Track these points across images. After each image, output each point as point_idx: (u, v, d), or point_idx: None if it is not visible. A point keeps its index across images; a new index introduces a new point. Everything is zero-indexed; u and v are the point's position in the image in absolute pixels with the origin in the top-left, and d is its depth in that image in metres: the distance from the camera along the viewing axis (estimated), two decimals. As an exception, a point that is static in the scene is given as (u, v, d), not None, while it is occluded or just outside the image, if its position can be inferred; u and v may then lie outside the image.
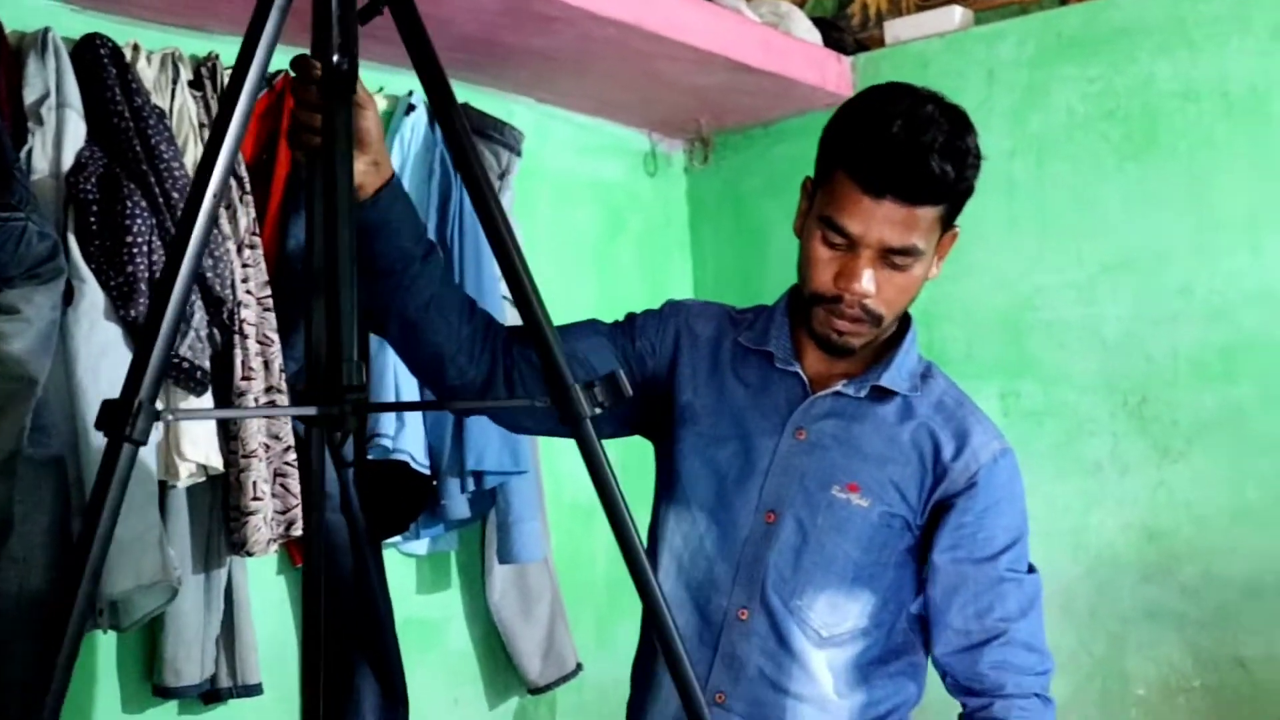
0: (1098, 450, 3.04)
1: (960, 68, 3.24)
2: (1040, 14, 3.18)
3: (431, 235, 2.67)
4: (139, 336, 1.11)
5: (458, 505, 2.68)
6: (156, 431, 2.11)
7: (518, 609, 2.96)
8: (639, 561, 1.22)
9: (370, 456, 2.53)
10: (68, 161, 2.05)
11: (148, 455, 2.08)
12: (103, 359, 2.04)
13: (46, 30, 2.08)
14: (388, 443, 2.51)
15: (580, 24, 2.62)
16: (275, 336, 2.31)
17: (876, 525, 1.55)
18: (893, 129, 1.41)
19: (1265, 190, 2.83)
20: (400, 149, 2.73)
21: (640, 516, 1.34)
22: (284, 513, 2.30)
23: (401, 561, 2.86)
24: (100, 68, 2.12)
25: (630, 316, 1.71)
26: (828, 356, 1.59)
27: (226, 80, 2.36)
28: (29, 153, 2.03)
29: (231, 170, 1.14)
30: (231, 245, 2.25)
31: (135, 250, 2.03)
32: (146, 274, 2.05)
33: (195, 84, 2.32)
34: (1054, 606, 3.05)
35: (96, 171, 2.06)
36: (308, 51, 1.27)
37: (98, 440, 2.00)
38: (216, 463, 2.17)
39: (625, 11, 2.61)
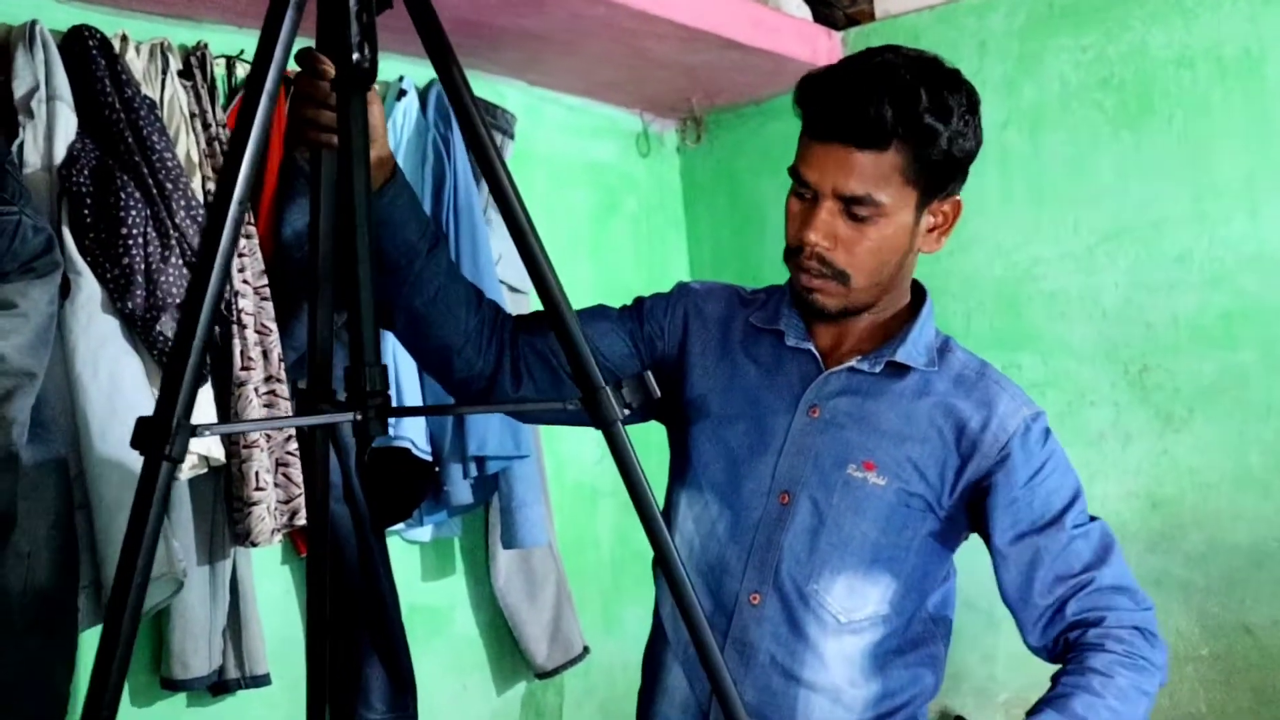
0: (1100, 420, 3.04)
1: (952, 39, 3.23)
2: (1031, -16, 3.17)
3: (427, 221, 2.67)
4: (170, 357, 1.09)
5: (460, 491, 2.67)
6: (157, 424, 2.10)
7: (523, 594, 2.96)
8: (672, 560, 1.20)
9: (373, 444, 2.52)
10: (60, 154, 2.04)
11: (149, 448, 2.07)
12: (101, 351, 2.03)
13: (34, 23, 2.07)
14: (389, 430, 2.50)
15: (570, 4, 2.61)
16: (273, 325, 2.30)
17: (894, 505, 1.50)
18: (838, 75, 1.44)
19: (1262, 154, 2.82)
20: (393, 134, 2.71)
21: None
22: (287, 502, 2.29)
23: (406, 549, 2.86)
24: (89, 59, 2.10)
25: (638, 300, 1.69)
26: (834, 335, 1.57)
27: (215, 69, 2.35)
28: (20, 146, 2.02)
29: (252, 185, 1.12)
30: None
31: (130, 242, 2.02)
32: (143, 265, 2.03)
33: (185, 73, 2.31)
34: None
35: (89, 164, 2.05)
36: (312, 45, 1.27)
37: (98, 434, 2.00)
38: (218, 454, 2.16)
39: (614, -10, 2.61)
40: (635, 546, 3.36)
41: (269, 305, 2.30)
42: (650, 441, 1.68)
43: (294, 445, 2.30)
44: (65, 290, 1.99)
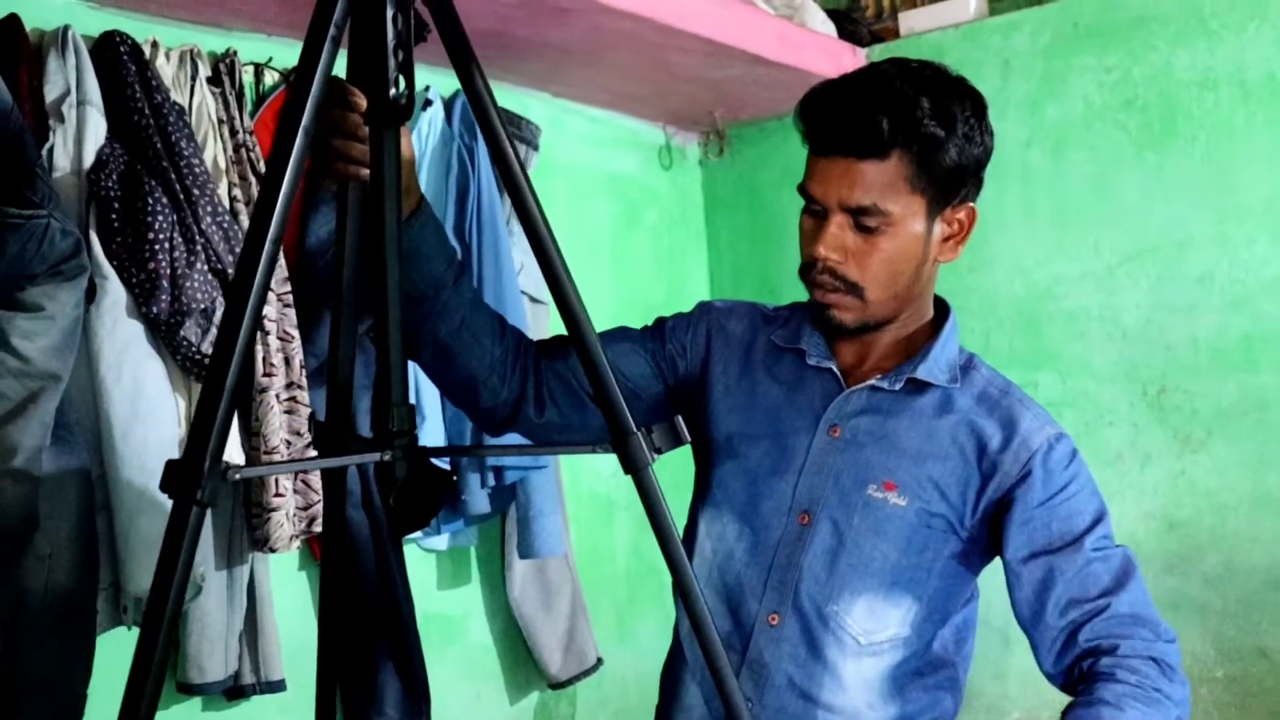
0: (1118, 440, 3.03)
1: (976, 58, 3.23)
2: (1056, 3, 3.17)
3: (449, 230, 2.68)
4: (200, 400, 1.10)
5: (478, 500, 2.68)
6: (179, 429, 2.11)
7: (538, 604, 2.96)
8: (693, 595, 1.21)
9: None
10: (89, 159, 2.05)
11: (170, 452, 2.08)
12: (125, 355, 2.04)
13: (66, 28, 2.09)
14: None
15: (594, 17, 2.62)
16: (295, 333, 2.31)
17: (916, 525, 1.48)
18: (835, 89, 1.45)
19: (1285, 178, 2.82)
20: (418, 143, 2.73)
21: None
22: (305, 509, 2.30)
23: (422, 557, 2.86)
24: (120, 65, 2.12)
25: (660, 320, 1.70)
26: (856, 352, 1.57)
27: (243, 76, 2.37)
28: (50, 150, 2.03)
29: (287, 219, 1.13)
30: (251, 241, 2.25)
31: (157, 247, 2.04)
32: (168, 270, 2.05)
33: (214, 80, 2.32)
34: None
35: (117, 169, 2.06)
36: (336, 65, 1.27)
37: (120, 436, 2.02)
38: (238, 459, 2.17)
39: (639, 4, 2.61)
40: (650, 559, 3.37)
41: (291, 312, 2.32)
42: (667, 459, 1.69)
43: (313, 453, 2.31)
44: (91, 294, 2.00)
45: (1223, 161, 2.90)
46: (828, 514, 1.51)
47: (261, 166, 2.33)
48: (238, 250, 2.17)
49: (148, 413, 2.05)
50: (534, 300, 2.92)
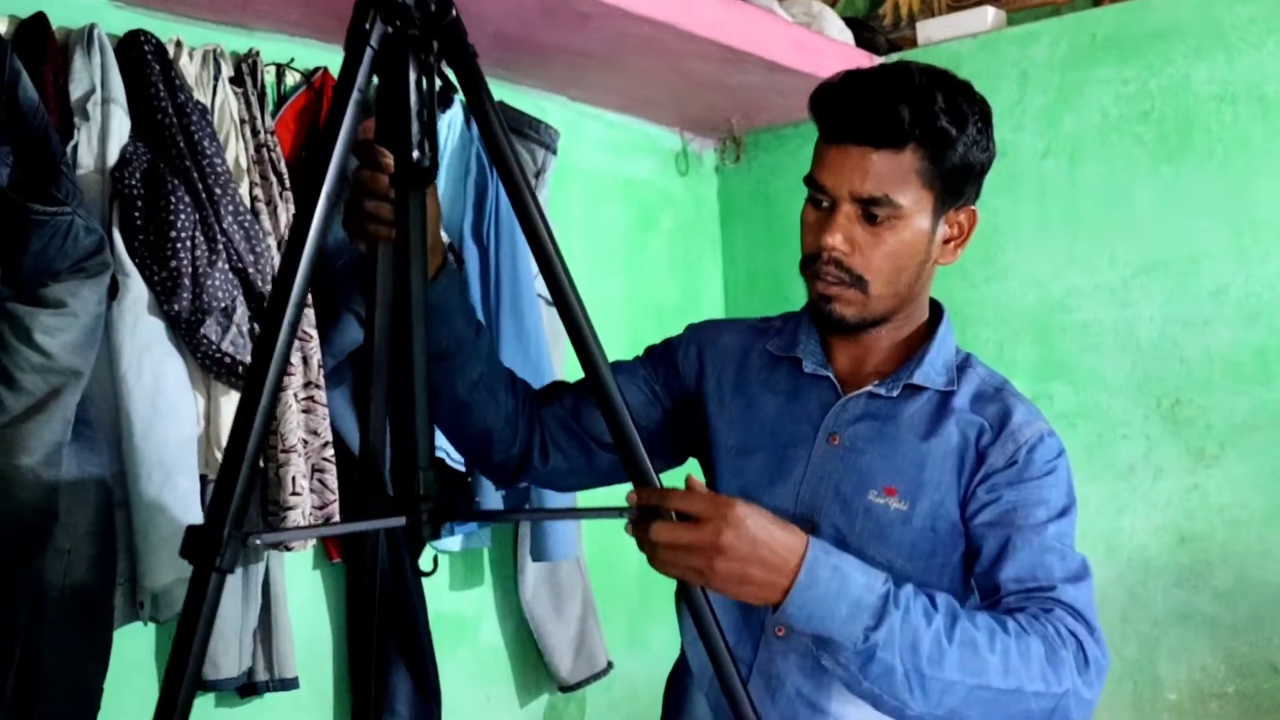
0: (1131, 453, 3.03)
1: (993, 68, 3.24)
2: (1073, 15, 3.18)
3: (467, 233, 2.69)
4: (222, 466, 1.11)
5: (491, 502, 2.69)
6: (198, 426, 2.12)
7: (549, 606, 2.97)
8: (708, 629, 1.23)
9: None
10: (113, 157, 2.07)
11: (189, 449, 2.10)
12: (146, 353, 2.06)
13: (92, 27, 2.10)
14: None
15: (615, 22, 2.63)
16: (313, 332, 2.32)
17: (919, 530, 1.47)
18: (854, 79, 1.45)
19: (1302, 193, 2.83)
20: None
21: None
22: (321, 508, 2.31)
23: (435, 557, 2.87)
24: (144, 64, 2.13)
25: (649, 349, 1.71)
26: (853, 357, 1.56)
27: (266, 77, 2.38)
28: (75, 148, 2.05)
29: (309, 286, 1.17)
30: (272, 241, 2.26)
31: (179, 245, 2.05)
32: (189, 269, 2.06)
33: (236, 80, 2.34)
34: (1085, 609, 3.06)
35: (141, 167, 2.08)
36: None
37: (140, 433, 2.03)
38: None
39: (659, 10, 2.62)
40: (661, 563, 3.37)
41: (310, 312, 2.33)
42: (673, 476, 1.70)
43: (330, 452, 2.32)
44: (113, 291, 2.01)
45: (1239, 175, 2.90)
46: (830, 522, 1.49)
47: (283, 166, 2.34)
48: (258, 249, 2.18)
49: (167, 410, 2.06)
50: (550, 304, 2.92)
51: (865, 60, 3.36)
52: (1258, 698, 2.83)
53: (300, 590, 2.52)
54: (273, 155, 2.32)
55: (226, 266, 2.11)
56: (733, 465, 1.57)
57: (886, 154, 1.41)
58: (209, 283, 2.07)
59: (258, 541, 1.12)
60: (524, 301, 2.70)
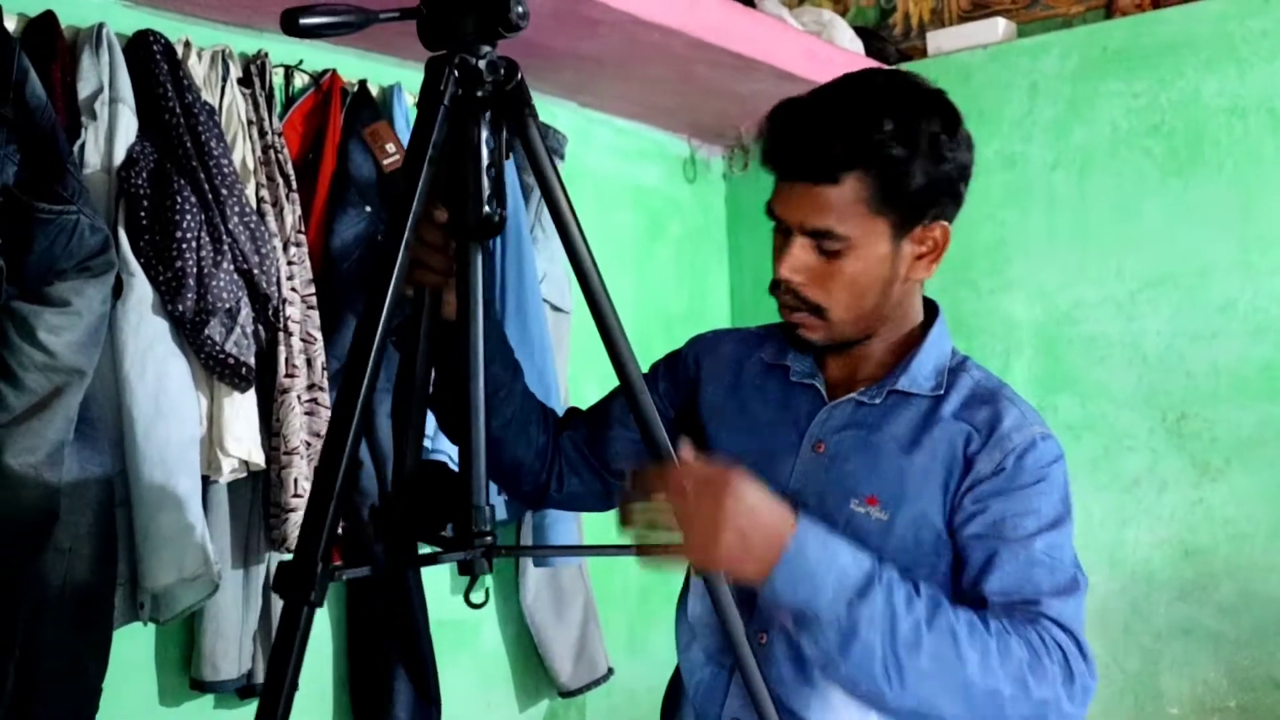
0: (1136, 466, 3.02)
1: (1003, 80, 3.23)
2: (1085, 27, 3.18)
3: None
4: (311, 500, 1.17)
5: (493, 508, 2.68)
6: (200, 427, 2.12)
7: (551, 612, 2.97)
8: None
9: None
10: (119, 156, 2.07)
11: (191, 449, 2.09)
12: (150, 352, 2.06)
13: (101, 26, 2.10)
14: (426, 443, 2.51)
15: (626, 28, 2.62)
16: (318, 334, 2.32)
17: (900, 540, 1.43)
18: (790, 110, 1.42)
19: (1312, 208, 2.82)
20: (444, 150, 2.74)
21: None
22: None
23: (436, 562, 2.87)
24: (152, 64, 2.13)
25: (655, 364, 1.71)
26: (845, 364, 1.54)
27: (274, 78, 2.38)
28: (81, 147, 2.05)
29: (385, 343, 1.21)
30: (277, 243, 2.26)
31: (184, 245, 2.05)
32: (195, 269, 2.06)
33: (244, 81, 2.34)
34: (1088, 621, 3.03)
35: (147, 167, 2.08)
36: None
37: (143, 433, 2.03)
38: (259, 459, 2.18)
39: (670, 17, 2.62)
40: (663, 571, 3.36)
41: (315, 314, 2.33)
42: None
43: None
44: (118, 291, 2.01)
45: (1249, 189, 2.89)
46: None
47: (290, 168, 2.34)
48: (264, 250, 2.18)
49: (170, 410, 2.06)
50: (555, 309, 2.92)
51: (875, 69, 3.36)
52: (1260, 712, 2.82)
53: (301, 592, 2.52)
54: (280, 157, 2.32)
55: (231, 267, 2.11)
56: None
57: (825, 188, 1.38)
58: (214, 283, 2.07)
59: (343, 577, 1.18)
60: (529, 307, 2.70)
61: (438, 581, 2.87)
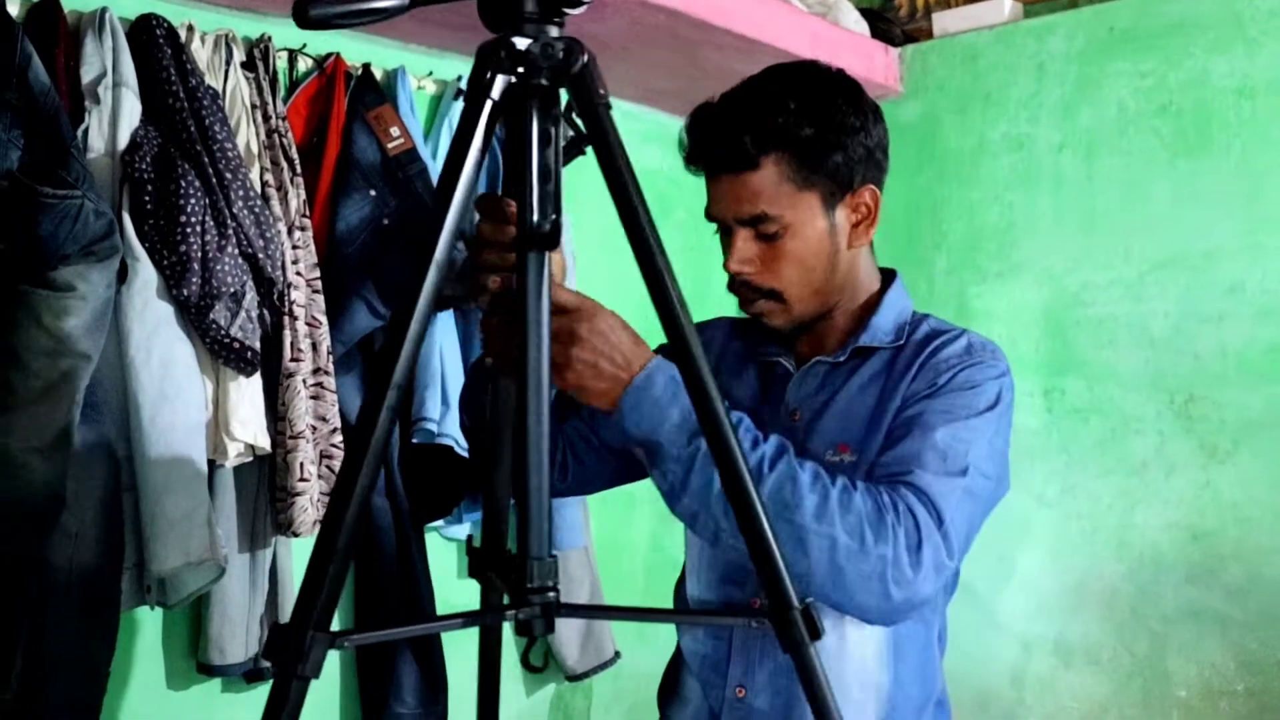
0: (1143, 449, 3.01)
1: (1010, 60, 3.22)
2: (1091, 7, 3.15)
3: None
4: (312, 561, 1.04)
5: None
6: (206, 411, 2.12)
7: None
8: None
9: (414, 441, 2.53)
10: (123, 140, 2.06)
11: (197, 434, 2.09)
12: (155, 337, 2.05)
13: (104, 10, 2.10)
14: (432, 427, 2.52)
15: (631, 11, 2.61)
16: (324, 319, 2.32)
17: (865, 475, 1.45)
18: (699, 115, 1.51)
19: (1320, 189, 2.80)
20: (449, 133, 2.73)
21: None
22: (329, 494, 2.31)
23: (443, 546, 2.87)
24: (156, 48, 2.13)
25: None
26: (813, 339, 1.59)
27: (277, 62, 2.38)
28: (85, 131, 2.04)
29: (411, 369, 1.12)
30: (282, 227, 2.26)
31: (188, 229, 2.04)
32: (199, 253, 2.06)
33: (248, 65, 2.33)
34: (1096, 604, 3.05)
35: (151, 151, 2.07)
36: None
37: (148, 418, 2.03)
38: (264, 443, 2.18)
39: (675, -1, 2.61)
40: (670, 553, 3.36)
41: (320, 298, 2.33)
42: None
43: (339, 438, 2.32)
44: (123, 275, 2.01)
45: (1257, 170, 2.87)
46: None
47: (294, 152, 2.34)
48: (268, 235, 2.18)
49: (175, 394, 2.06)
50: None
51: (880, 51, 3.35)
52: (1267, 696, 2.82)
53: (308, 577, 2.52)
54: (284, 141, 2.32)
55: (236, 252, 2.11)
56: None
57: (747, 175, 1.45)
58: (218, 268, 2.07)
59: (346, 644, 1.03)
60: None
61: (445, 565, 2.87)
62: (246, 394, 2.16)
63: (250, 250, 2.13)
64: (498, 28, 1.12)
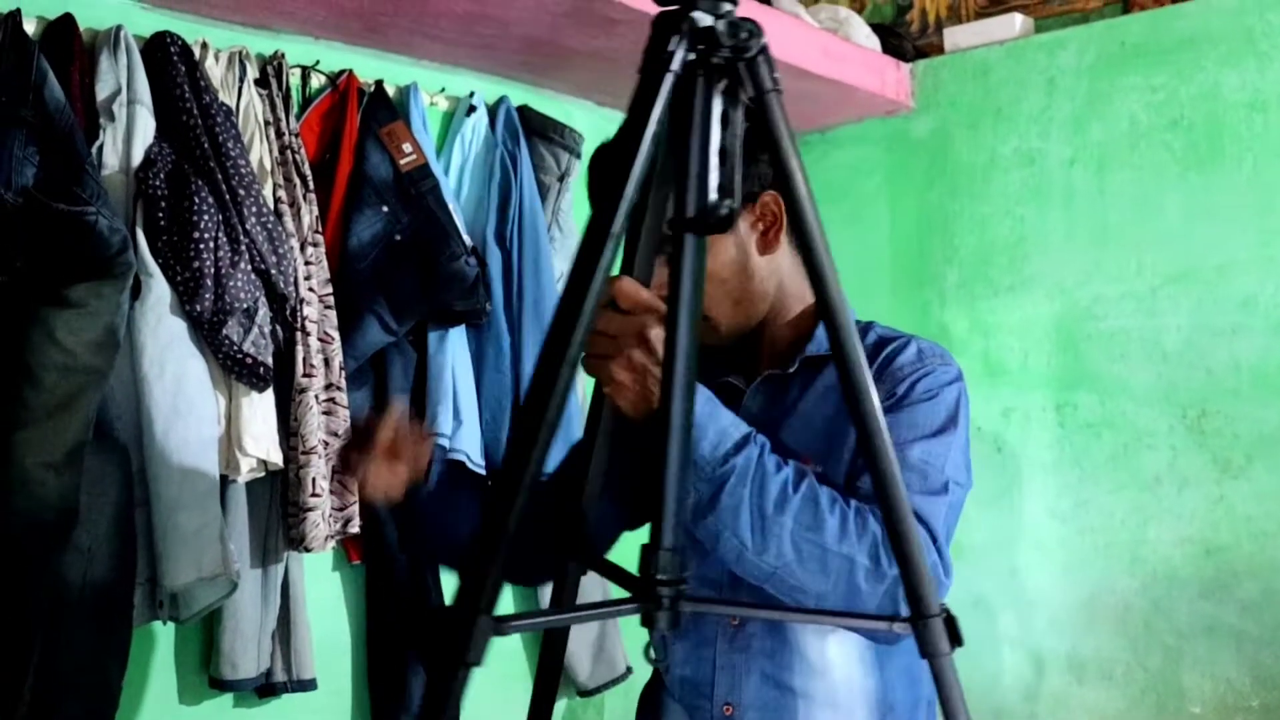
0: (1156, 463, 3.00)
1: (1021, 75, 3.22)
2: (1102, 22, 3.15)
3: (490, 236, 2.70)
4: (483, 540, 1.00)
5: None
6: (219, 426, 2.13)
7: (569, 610, 2.96)
8: None
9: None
10: (137, 157, 2.08)
11: (209, 449, 2.10)
12: (168, 352, 2.06)
13: (119, 28, 2.12)
14: (445, 442, 2.52)
15: (642, 26, 2.59)
16: (336, 334, 2.33)
17: (835, 483, 1.43)
18: (594, 158, 1.58)
19: (1333, 203, 2.79)
20: (461, 149, 2.75)
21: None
22: (341, 509, 2.31)
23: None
24: (170, 65, 2.14)
25: None
26: (756, 355, 1.58)
27: (291, 79, 2.39)
28: (100, 148, 2.06)
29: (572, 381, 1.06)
30: (295, 243, 2.27)
31: (201, 246, 2.05)
32: (212, 269, 2.07)
33: (261, 82, 2.35)
34: (1109, 619, 3.03)
35: (165, 168, 2.09)
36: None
37: (161, 433, 2.04)
38: (277, 459, 2.19)
39: (687, 15, 2.61)
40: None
41: (332, 313, 2.33)
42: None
43: (351, 453, 2.32)
44: (136, 291, 2.02)
45: (1270, 183, 2.86)
46: None
47: (307, 169, 2.35)
48: (281, 251, 2.19)
49: (188, 410, 2.06)
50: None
51: (891, 67, 3.35)
52: (1283, 712, 2.80)
53: (320, 591, 2.53)
54: (297, 157, 2.33)
55: (249, 268, 2.12)
56: None
57: None
58: (231, 284, 2.08)
59: (510, 631, 1.01)
60: (546, 303, 2.70)
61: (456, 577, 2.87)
62: (259, 409, 2.17)
63: (263, 266, 2.14)
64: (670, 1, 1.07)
